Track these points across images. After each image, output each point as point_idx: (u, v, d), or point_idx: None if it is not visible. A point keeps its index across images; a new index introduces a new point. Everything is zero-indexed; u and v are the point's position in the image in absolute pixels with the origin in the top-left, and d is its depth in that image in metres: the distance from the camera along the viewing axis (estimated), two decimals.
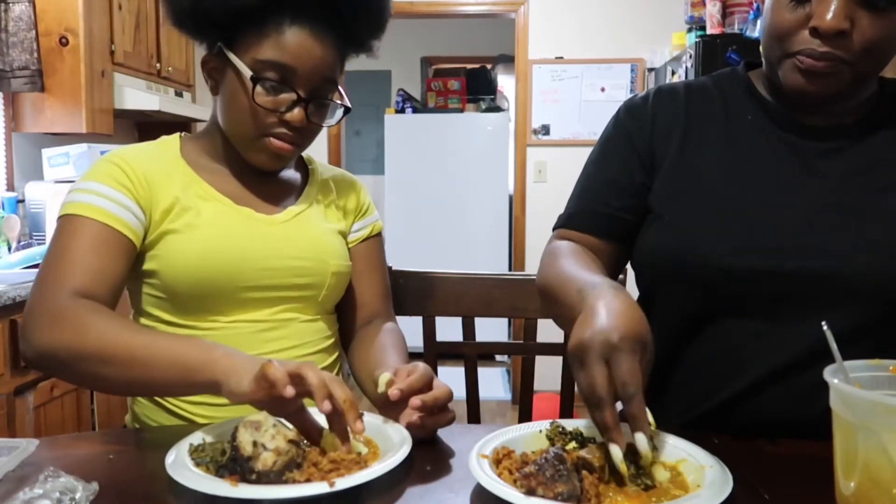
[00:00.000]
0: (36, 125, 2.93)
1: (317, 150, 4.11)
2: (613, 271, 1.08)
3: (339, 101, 1.11)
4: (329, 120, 1.11)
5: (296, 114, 1.04)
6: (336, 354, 1.18)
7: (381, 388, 0.87)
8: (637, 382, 0.71)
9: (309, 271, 1.11)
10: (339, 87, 1.10)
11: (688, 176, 0.99)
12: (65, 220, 1.01)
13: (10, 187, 2.96)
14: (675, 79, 3.47)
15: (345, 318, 1.23)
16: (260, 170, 1.11)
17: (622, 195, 1.04)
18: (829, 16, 0.84)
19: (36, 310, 0.94)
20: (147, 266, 1.04)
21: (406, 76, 6.32)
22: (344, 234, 1.21)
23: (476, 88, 5.28)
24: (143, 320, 1.09)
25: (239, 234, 1.07)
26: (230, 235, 1.06)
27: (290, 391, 0.76)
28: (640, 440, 0.71)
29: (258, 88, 1.02)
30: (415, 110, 5.08)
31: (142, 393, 1.04)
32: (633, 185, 1.03)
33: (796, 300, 0.91)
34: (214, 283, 1.04)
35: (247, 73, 1.02)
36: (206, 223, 1.06)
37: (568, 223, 1.08)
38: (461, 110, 5.08)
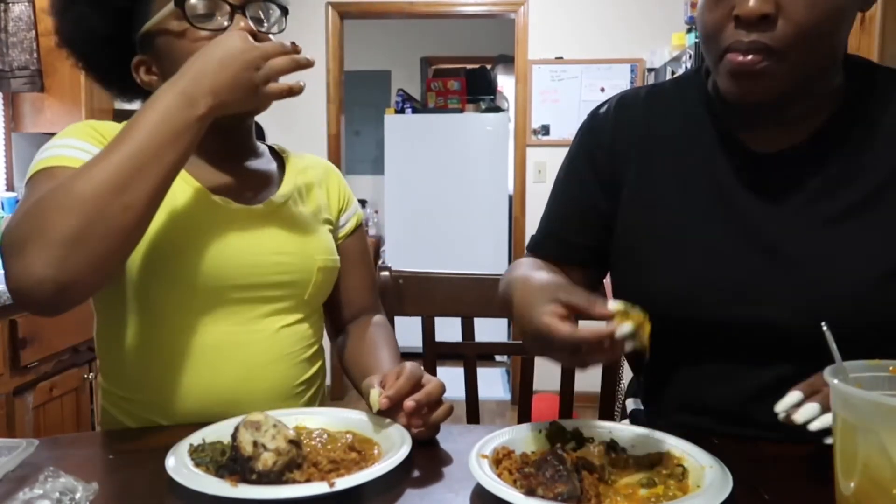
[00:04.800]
0: (36, 125, 2.93)
1: (317, 150, 4.11)
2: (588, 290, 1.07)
3: (272, 6, 1.05)
4: (273, 26, 1.05)
5: (241, 24, 0.96)
6: (319, 364, 1.14)
7: (374, 408, 0.86)
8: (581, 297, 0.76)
9: (293, 267, 1.06)
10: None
11: (643, 212, 0.97)
12: (40, 174, 0.92)
13: (10, 187, 2.96)
14: None
15: (333, 314, 1.21)
16: (242, 113, 1.00)
17: (587, 225, 1.02)
18: (752, 1, 0.79)
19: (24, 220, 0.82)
20: None
21: (406, 76, 6.32)
22: (331, 225, 1.17)
23: (476, 88, 5.28)
24: (107, 326, 1.04)
25: (217, 226, 1.01)
26: (207, 226, 1.00)
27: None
28: (621, 330, 0.72)
29: (189, 11, 0.97)
30: (414, 110, 5.07)
31: (154, 184, 0.85)
32: (598, 213, 1.01)
33: (748, 348, 0.90)
34: (193, 282, 0.98)
35: (171, 9, 0.97)
36: (181, 213, 0.99)
37: (536, 249, 1.07)
38: (461, 110, 5.08)
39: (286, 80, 0.93)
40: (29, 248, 0.80)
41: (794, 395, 0.73)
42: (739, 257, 0.90)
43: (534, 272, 0.94)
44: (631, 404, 1.17)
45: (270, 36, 1.02)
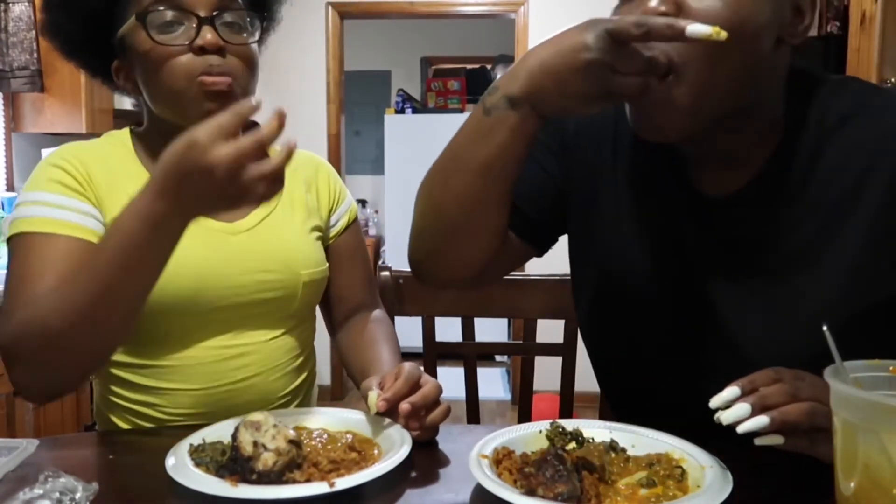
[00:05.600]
0: (36, 125, 2.93)
1: (317, 150, 4.11)
2: (507, 265, 0.97)
3: (250, 13, 1.00)
4: (249, 36, 1.00)
5: (208, 37, 0.94)
6: (306, 374, 1.13)
7: (373, 410, 0.86)
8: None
9: (277, 284, 1.04)
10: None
11: (593, 229, 0.94)
12: (17, 241, 0.93)
13: (10, 187, 2.96)
14: None
15: (329, 311, 1.20)
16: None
17: (534, 193, 0.94)
18: (652, 1, 0.73)
19: (3, 349, 0.87)
20: None
21: (406, 76, 6.32)
22: (320, 230, 1.14)
23: (476, 88, 5.27)
24: None
25: (196, 250, 0.98)
26: (186, 251, 0.95)
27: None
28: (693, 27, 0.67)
29: (154, 32, 0.94)
30: (415, 110, 5.07)
31: (127, 305, 0.84)
32: (552, 185, 0.95)
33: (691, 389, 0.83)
34: (171, 305, 0.96)
35: (133, 20, 0.95)
36: None
37: None
38: (461, 110, 5.07)
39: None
40: (14, 366, 0.86)
41: (730, 391, 0.69)
42: (683, 314, 0.88)
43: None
44: None
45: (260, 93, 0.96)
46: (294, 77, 3.95)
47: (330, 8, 4.03)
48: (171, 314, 0.98)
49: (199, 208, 0.77)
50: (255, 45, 1.01)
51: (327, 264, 1.13)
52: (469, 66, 5.79)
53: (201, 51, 0.95)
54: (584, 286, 0.99)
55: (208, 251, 1.00)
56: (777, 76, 0.81)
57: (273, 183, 0.74)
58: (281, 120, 0.74)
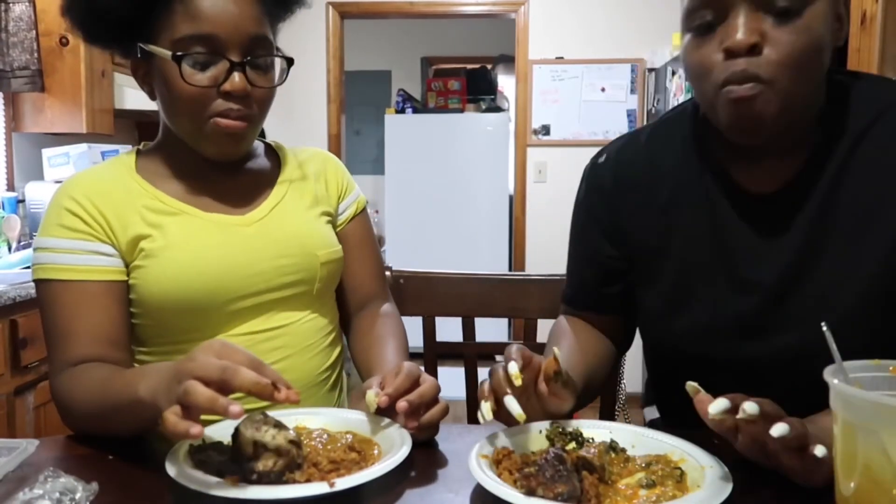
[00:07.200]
0: (36, 125, 2.93)
1: None
2: (622, 339, 1.12)
3: (277, 56, 1.04)
4: (273, 77, 1.04)
5: (236, 81, 0.97)
6: (339, 349, 1.17)
7: (371, 408, 0.86)
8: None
9: (296, 267, 1.07)
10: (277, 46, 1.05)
11: (647, 258, 1.02)
12: (40, 287, 0.99)
13: (11, 187, 2.96)
14: (676, 80, 3.46)
15: (340, 301, 1.21)
16: (224, 161, 1.05)
17: (607, 274, 1.06)
18: (739, 33, 0.83)
19: (51, 392, 0.98)
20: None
21: (406, 76, 6.32)
22: (330, 216, 1.17)
23: (476, 88, 5.28)
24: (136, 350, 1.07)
25: (214, 245, 1.02)
26: (205, 248, 1.01)
27: (234, 410, 0.70)
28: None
29: (185, 67, 0.96)
30: (415, 110, 5.07)
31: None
32: (612, 261, 1.05)
33: (760, 378, 0.91)
34: (198, 302, 1.00)
35: (168, 56, 0.96)
36: (178, 241, 1.01)
37: (571, 304, 1.12)
38: (461, 110, 5.08)
39: None
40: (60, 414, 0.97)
41: (721, 402, 0.70)
42: (741, 298, 0.94)
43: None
44: (649, 413, 1.19)
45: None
46: (294, 77, 3.94)
47: (330, 8, 4.03)
48: (197, 310, 1.00)
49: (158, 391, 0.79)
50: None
51: (341, 246, 1.15)
52: (469, 66, 5.78)
53: (227, 95, 0.98)
54: (639, 301, 1.05)
55: (225, 245, 1.03)
56: (824, 76, 0.90)
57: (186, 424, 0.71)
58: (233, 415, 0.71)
